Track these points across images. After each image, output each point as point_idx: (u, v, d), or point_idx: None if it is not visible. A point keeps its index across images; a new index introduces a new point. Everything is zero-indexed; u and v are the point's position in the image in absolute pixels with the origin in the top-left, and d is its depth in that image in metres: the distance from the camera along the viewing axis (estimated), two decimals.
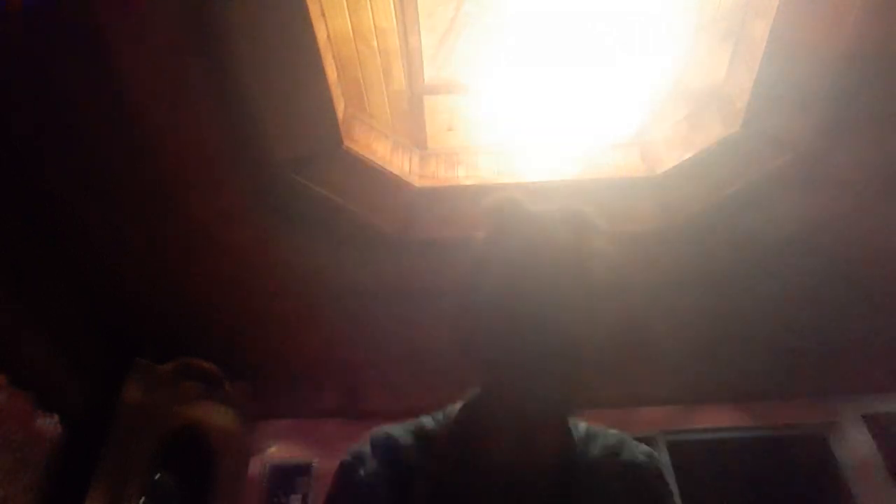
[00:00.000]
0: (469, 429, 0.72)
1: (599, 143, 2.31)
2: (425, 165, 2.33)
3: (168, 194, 2.01)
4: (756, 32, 1.84)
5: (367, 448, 0.73)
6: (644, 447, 0.77)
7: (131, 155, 1.86)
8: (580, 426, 0.76)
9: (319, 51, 1.75)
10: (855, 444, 3.22)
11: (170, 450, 2.62)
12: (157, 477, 2.60)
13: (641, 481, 0.72)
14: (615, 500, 0.69)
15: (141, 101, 1.72)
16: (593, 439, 0.75)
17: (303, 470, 3.21)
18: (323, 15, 1.81)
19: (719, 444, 3.34)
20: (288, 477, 3.21)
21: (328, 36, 1.89)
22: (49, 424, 2.16)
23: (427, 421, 0.76)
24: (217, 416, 2.88)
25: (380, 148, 2.22)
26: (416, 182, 2.25)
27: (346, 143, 2.06)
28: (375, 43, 1.97)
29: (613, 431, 0.78)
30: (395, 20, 1.89)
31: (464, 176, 2.31)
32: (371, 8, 1.86)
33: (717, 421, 3.36)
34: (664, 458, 3.16)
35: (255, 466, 3.18)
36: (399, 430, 0.75)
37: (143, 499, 2.45)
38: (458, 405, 0.76)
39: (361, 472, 0.70)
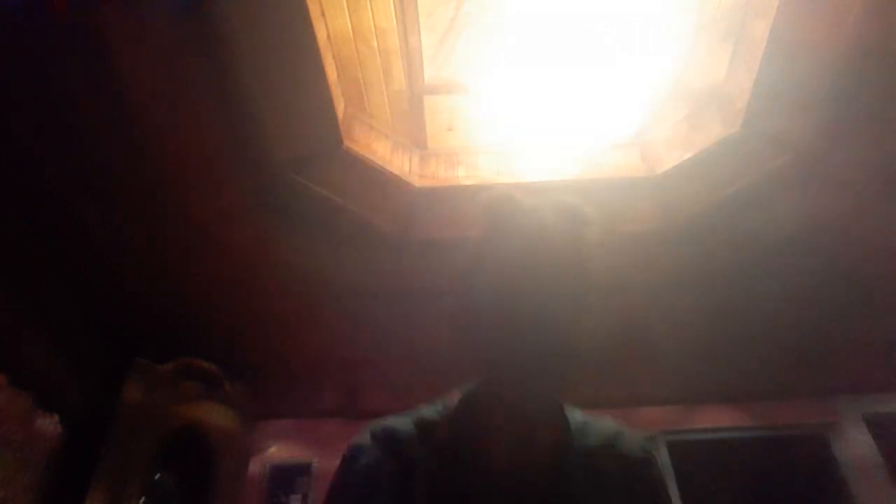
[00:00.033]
0: (468, 425, 0.72)
1: (599, 143, 2.31)
2: (425, 165, 2.33)
3: (168, 194, 2.00)
4: (756, 32, 1.84)
5: (368, 438, 0.74)
6: (641, 438, 0.77)
7: (131, 155, 1.86)
8: (577, 416, 0.76)
9: (319, 51, 1.75)
10: (855, 444, 3.22)
11: (170, 450, 2.62)
12: (157, 477, 2.60)
13: (636, 474, 0.72)
14: (610, 493, 0.69)
15: (141, 101, 1.72)
16: (590, 429, 0.75)
17: (303, 470, 3.21)
18: (323, 15, 1.81)
19: (719, 444, 3.34)
20: (288, 477, 3.21)
21: (328, 36, 1.89)
22: (49, 424, 2.16)
23: (427, 411, 0.76)
24: (217, 416, 2.88)
25: (380, 148, 2.22)
26: (416, 182, 2.25)
27: (346, 143, 2.06)
28: (375, 43, 1.97)
29: (611, 422, 0.78)
30: (395, 20, 1.89)
31: (464, 176, 2.31)
32: (371, 8, 1.86)
33: (717, 421, 3.36)
34: (664, 458, 3.16)
35: (255, 466, 3.18)
36: (399, 421, 0.75)
37: (143, 499, 2.45)
38: (456, 396, 0.77)
39: (363, 461, 0.71)
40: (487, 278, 0.68)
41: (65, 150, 1.82)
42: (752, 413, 3.34)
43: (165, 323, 2.61)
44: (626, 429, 0.77)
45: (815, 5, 1.66)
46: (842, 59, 1.68)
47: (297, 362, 2.94)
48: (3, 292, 1.92)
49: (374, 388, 3.15)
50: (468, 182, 2.27)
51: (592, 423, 0.76)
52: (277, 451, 3.29)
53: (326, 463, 3.17)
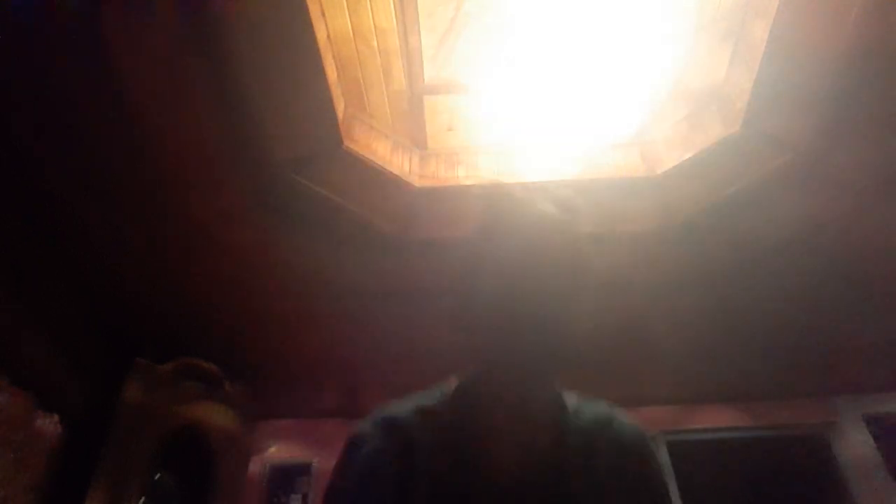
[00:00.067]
0: (468, 424, 0.72)
1: (599, 143, 2.31)
2: (425, 165, 2.32)
3: (168, 194, 2.00)
4: (756, 32, 1.84)
5: (370, 426, 0.74)
6: (631, 425, 0.78)
7: (131, 155, 1.86)
8: (572, 400, 0.77)
9: (319, 51, 1.75)
10: (855, 444, 3.22)
11: (170, 450, 2.62)
12: (157, 477, 2.60)
13: (628, 460, 0.73)
14: (610, 492, 0.69)
15: (141, 101, 1.72)
16: (584, 412, 0.76)
17: (303, 470, 3.21)
18: (323, 15, 1.81)
19: (719, 444, 3.34)
20: (288, 477, 3.21)
21: (328, 36, 1.89)
22: (49, 424, 2.16)
23: (425, 399, 0.77)
24: (217, 416, 2.88)
25: (380, 148, 2.22)
26: (416, 182, 2.25)
27: (346, 143, 2.06)
28: (375, 43, 1.97)
29: (604, 405, 0.79)
30: (395, 20, 1.89)
31: (464, 176, 2.31)
32: (371, 8, 1.86)
33: (717, 421, 3.36)
34: (664, 458, 3.16)
35: (255, 466, 3.18)
36: (400, 408, 0.76)
37: (143, 499, 2.45)
38: (453, 382, 0.77)
39: (365, 448, 0.71)
40: (487, 279, 0.68)
41: (65, 150, 1.82)
42: (752, 413, 3.34)
43: (165, 323, 2.61)
44: (620, 413, 0.79)
45: (815, 5, 1.65)
46: (842, 59, 1.68)
47: (297, 362, 2.94)
48: (3, 292, 1.92)
49: (374, 388, 3.15)
50: (468, 182, 2.27)
51: (585, 407, 0.77)
52: (277, 451, 3.29)
53: (326, 463, 3.16)
